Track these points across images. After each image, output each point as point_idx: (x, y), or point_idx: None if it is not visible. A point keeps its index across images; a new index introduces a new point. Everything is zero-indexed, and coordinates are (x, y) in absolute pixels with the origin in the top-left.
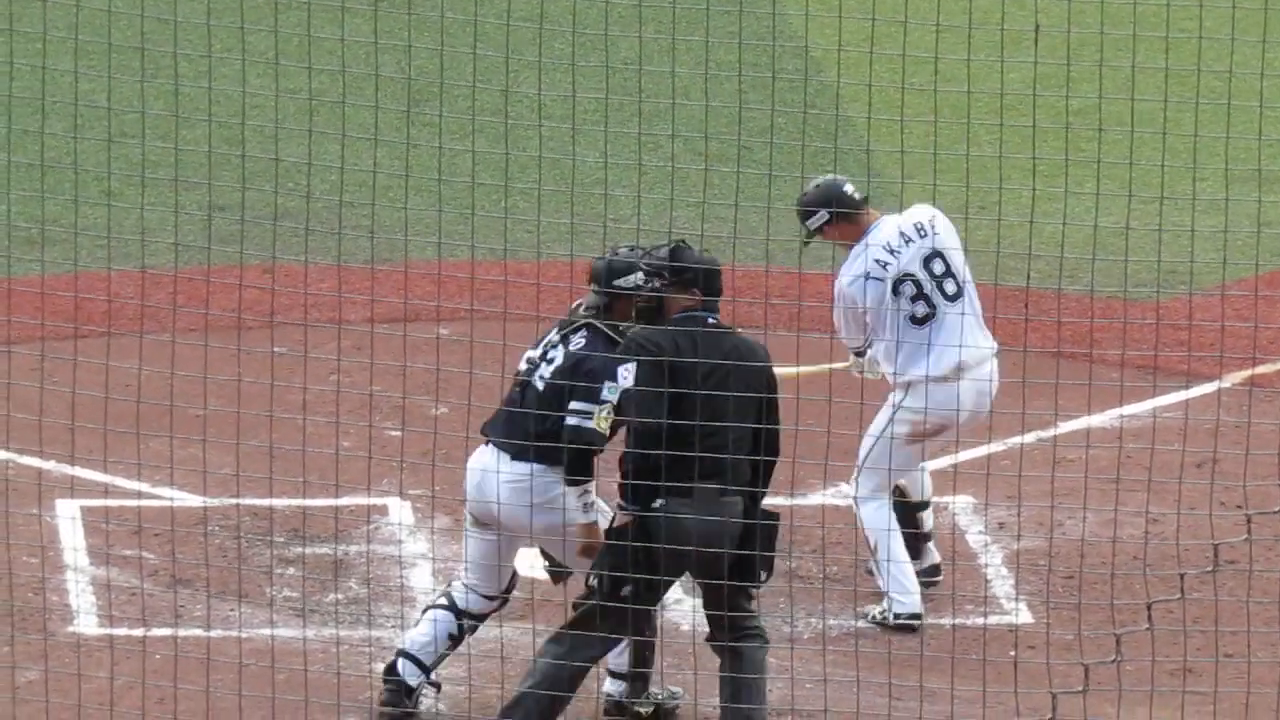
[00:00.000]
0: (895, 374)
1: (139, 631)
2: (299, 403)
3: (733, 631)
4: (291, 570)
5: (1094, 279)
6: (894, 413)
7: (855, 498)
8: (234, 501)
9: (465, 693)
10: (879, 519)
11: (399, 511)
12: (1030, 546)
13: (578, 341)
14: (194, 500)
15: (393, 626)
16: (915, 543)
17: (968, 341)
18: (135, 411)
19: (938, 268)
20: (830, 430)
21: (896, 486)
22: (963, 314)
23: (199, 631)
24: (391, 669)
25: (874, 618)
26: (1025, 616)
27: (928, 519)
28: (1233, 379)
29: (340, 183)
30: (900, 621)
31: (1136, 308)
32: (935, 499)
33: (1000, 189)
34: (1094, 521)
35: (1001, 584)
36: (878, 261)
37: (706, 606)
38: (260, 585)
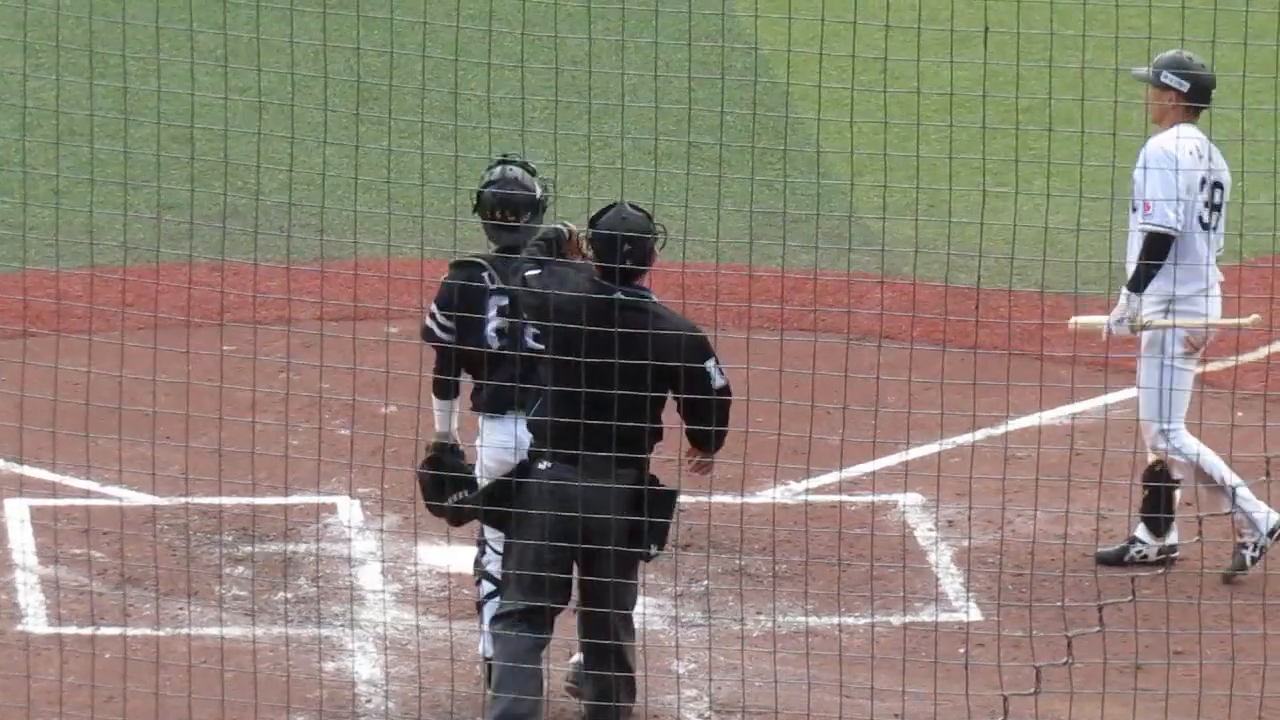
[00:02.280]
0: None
1: (88, 630)
2: (248, 402)
3: (605, 628)
4: (241, 569)
5: (1044, 277)
6: (1168, 333)
7: (1175, 449)
8: (183, 500)
9: (415, 692)
10: (1210, 456)
11: (348, 510)
12: (980, 544)
13: None
14: (143, 499)
15: (341, 625)
16: (1167, 528)
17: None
18: (84, 411)
19: (1216, 196)
20: (780, 430)
21: (1159, 462)
22: (1214, 245)
23: (148, 630)
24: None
25: (1254, 552)
26: (975, 614)
27: (1179, 496)
28: None
29: (289, 182)
30: (1275, 534)
31: (1087, 306)
32: (885, 497)
33: (950, 188)
34: (1044, 519)
35: (951, 582)
36: (1191, 154)
37: (584, 599)
38: (209, 584)
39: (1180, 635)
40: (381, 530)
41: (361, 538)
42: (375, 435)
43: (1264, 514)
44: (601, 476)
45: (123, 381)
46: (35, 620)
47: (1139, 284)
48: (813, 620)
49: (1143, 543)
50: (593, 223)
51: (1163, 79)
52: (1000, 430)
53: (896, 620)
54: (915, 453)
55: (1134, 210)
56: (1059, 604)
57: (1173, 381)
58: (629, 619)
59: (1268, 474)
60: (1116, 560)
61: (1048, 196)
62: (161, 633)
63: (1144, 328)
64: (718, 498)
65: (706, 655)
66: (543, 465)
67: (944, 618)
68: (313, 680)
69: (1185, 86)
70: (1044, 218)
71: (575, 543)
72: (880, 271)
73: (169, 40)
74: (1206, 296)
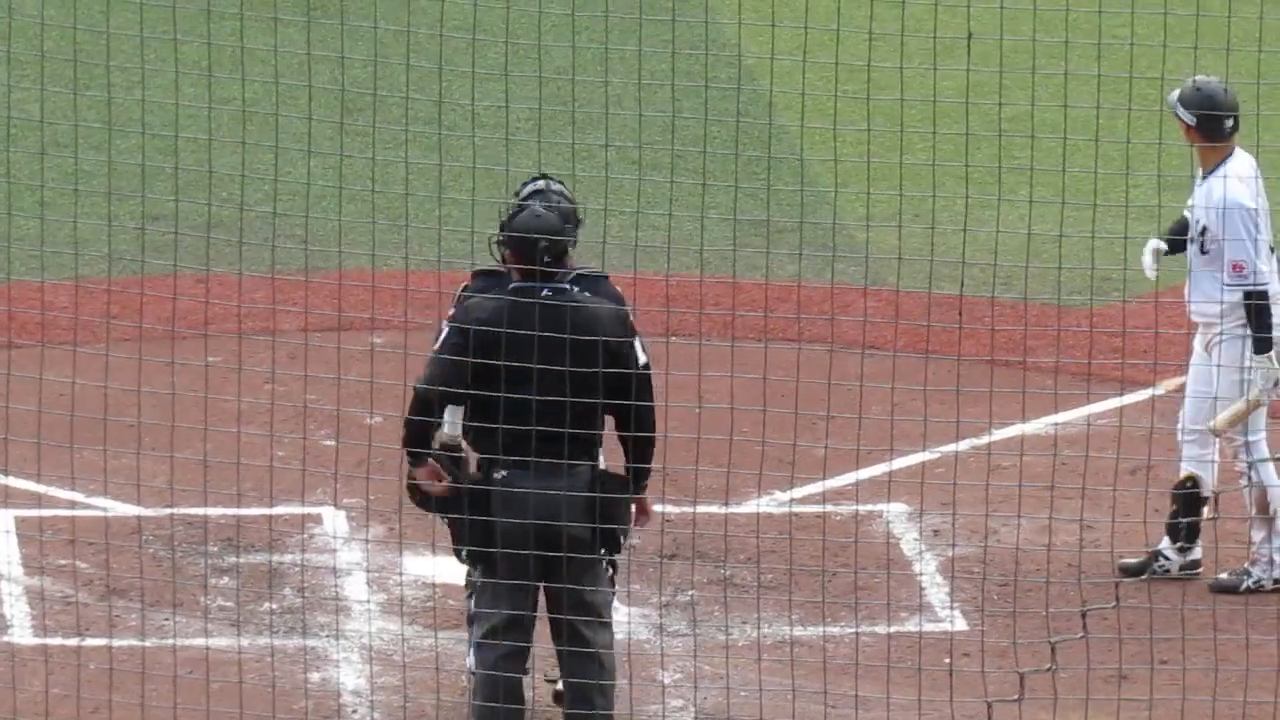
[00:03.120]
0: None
1: (73, 641)
2: (233, 413)
3: (578, 634)
4: (226, 580)
5: (1028, 286)
6: (1248, 391)
7: (1250, 463)
8: (168, 511)
9: (400, 702)
10: (1273, 474)
11: (333, 521)
12: (965, 554)
13: None
14: (128, 510)
15: (327, 636)
16: (1194, 536)
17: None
18: (69, 422)
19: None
20: (765, 440)
21: (1191, 476)
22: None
23: (133, 641)
24: None
25: (1250, 585)
26: (960, 624)
27: (1206, 513)
28: (1167, 386)
29: (274, 193)
30: (1278, 584)
31: (1070, 315)
32: (870, 506)
33: (934, 196)
34: (1028, 529)
35: (936, 591)
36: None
37: (550, 607)
38: (195, 595)
39: (1164, 643)
40: (367, 541)
41: (347, 548)
42: (360, 446)
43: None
44: (556, 479)
45: (107, 392)
46: (20, 631)
47: (1265, 345)
48: (798, 630)
49: (1166, 558)
50: (506, 226)
51: (1176, 112)
52: (984, 439)
53: (881, 630)
54: (900, 462)
55: (1204, 251)
56: (1043, 612)
57: (1218, 391)
58: (605, 625)
59: (1249, 479)
60: (1139, 573)
61: (1031, 205)
62: (147, 643)
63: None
64: (702, 508)
65: (692, 665)
66: (499, 475)
67: (929, 627)
68: (298, 691)
69: (1192, 120)
70: (1028, 226)
71: (539, 548)
72: (864, 280)
73: (153, 51)
74: None
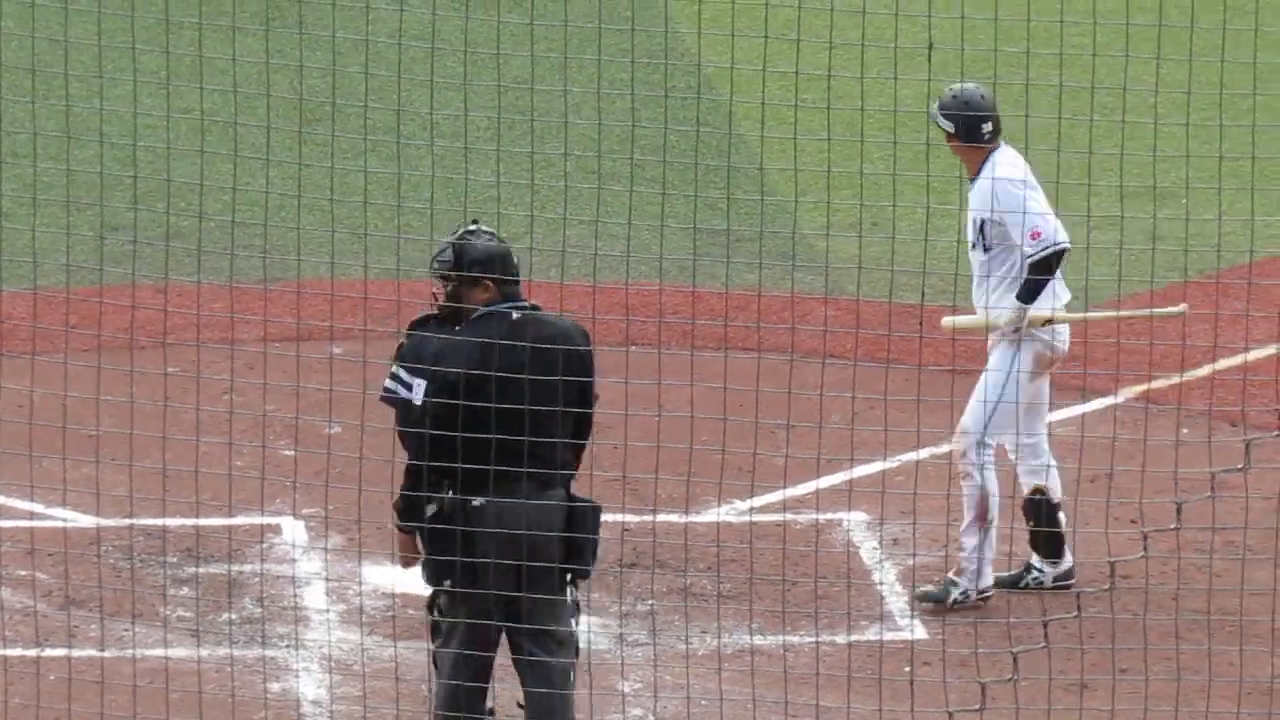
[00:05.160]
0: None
1: (32, 652)
2: (192, 423)
3: (540, 645)
4: (185, 590)
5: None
6: (1016, 350)
7: (978, 465)
8: (127, 522)
9: (360, 712)
10: (997, 493)
11: (292, 531)
12: (925, 562)
13: None
14: (87, 520)
15: (286, 646)
16: (1059, 543)
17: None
18: (28, 432)
19: None
20: (725, 449)
21: (1038, 488)
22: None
23: (93, 652)
24: None
25: (957, 597)
26: (920, 633)
27: (1064, 519)
28: (1128, 395)
29: (233, 202)
30: (983, 597)
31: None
32: (830, 515)
33: (894, 205)
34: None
35: (896, 600)
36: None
37: (510, 617)
38: (154, 605)
39: (1126, 652)
40: (326, 550)
41: (306, 558)
42: (320, 455)
43: (987, 572)
44: (538, 504)
45: (66, 402)
46: None
47: (1030, 298)
48: (758, 639)
49: (1039, 570)
50: (463, 261)
51: (936, 121)
52: (945, 448)
53: (842, 639)
54: (860, 471)
55: (987, 249)
56: (1004, 621)
57: (1006, 396)
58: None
59: (1213, 489)
60: (1013, 585)
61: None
62: (106, 654)
63: (1049, 322)
64: (662, 517)
65: (652, 674)
66: (477, 503)
67: (889, 636)
68: (258, 701)
69: (951, 126)
70: None
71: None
72: (824, 289)
73: (112, 61)
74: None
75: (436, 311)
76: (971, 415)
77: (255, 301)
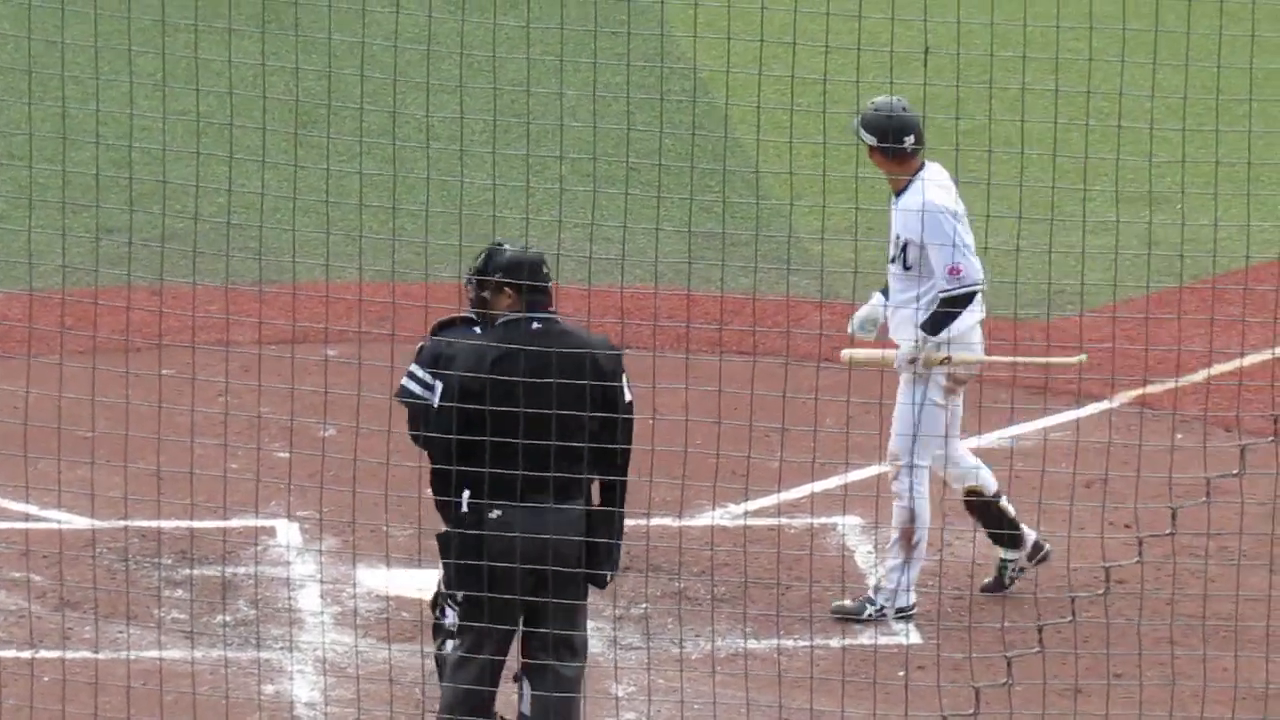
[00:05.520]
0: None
1: (27, 654)
2: (187, 425)
3: (554, 648)
4: (180, 592)
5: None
6: (924, 384)
7: (909, 489)
8: (122, 524)
9: (354, 714)
10: (927, 518)
11: (287, 533)
12: (920, 567)
13: None
14: (82, 522)
15: (280, 648)
16: (1015, 528)
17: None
18: (23, 433)
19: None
20: (719, 452)
21: (971, 489)
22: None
23: (87, 654)
24: None
25: (872, 613)
26: (915, 637)
27: (1008, 505)
28: (1122, 399)
29: (228, 205)
30: (900, 615)
31: (1026, 328)
32: (825, 519)
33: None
34: (984, 541)
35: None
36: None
37: (526, 623)
38: (148, 607)
39: (1120, 657)
40: (320, 553)
41: (300, 560)
42: (314, 458)
43: (908, 593)
44: (556, 514)
45: (61, 404)
46: None
47: (935, 330)
48: (752, 643)
49: (1009, 561)
50: (492, 265)
51: (860, 136)
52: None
53: (836, 643)
54: (854, 475)
55: (907, 268)
56: (999, 626)
57: (925, 421)
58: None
59: (1208, 494)
60: (999, 587)
61: (987, 218)
62: (100, 656)
63: (946, 360)
64: (656, 520)
65: (645, 678)
66: (493, 515)
67: (883, 640)
68: (252, 703)
69: (873, 140)
70: (983, 239)
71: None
72: (820, 293)
73: (108, 63)
74: (979, 326)
75: (462, 315)
76: (897, 443)
77: (250, 304)
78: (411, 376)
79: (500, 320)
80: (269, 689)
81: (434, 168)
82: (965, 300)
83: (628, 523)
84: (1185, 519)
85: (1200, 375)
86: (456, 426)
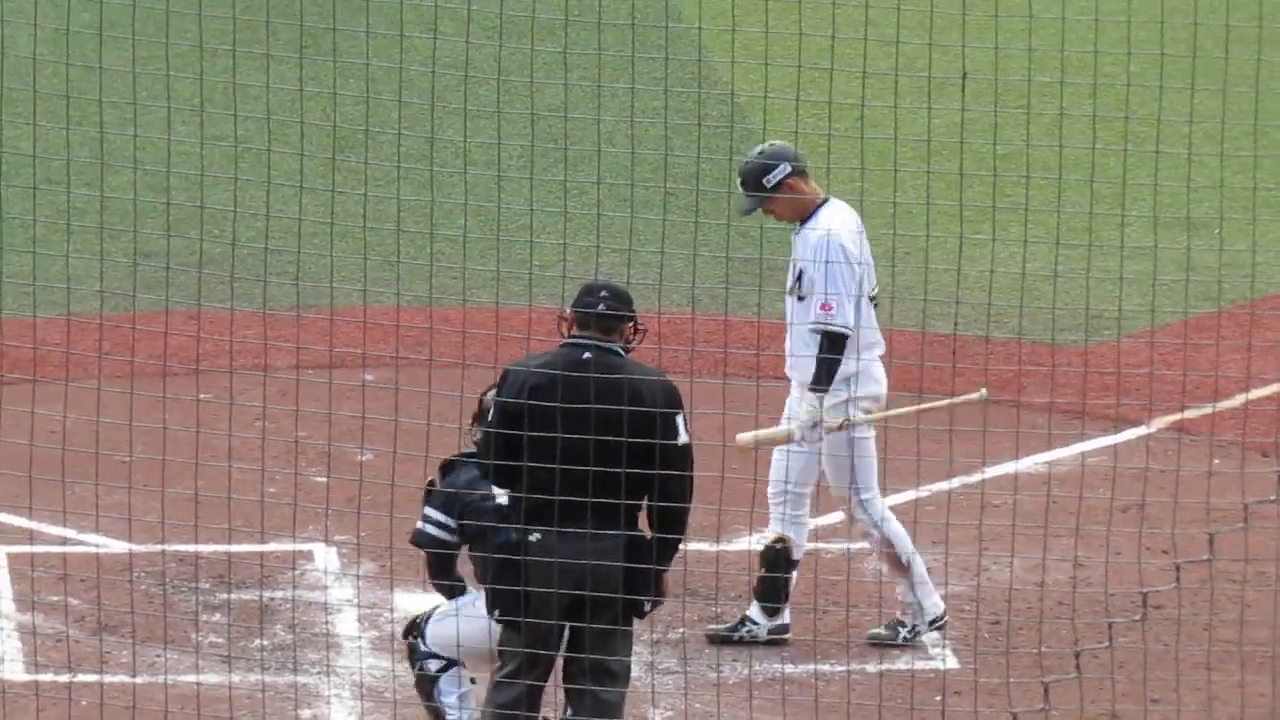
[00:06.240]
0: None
1: (65, 678)
2: (225, 449)
3: (592, 673)
4: (217, 616)
5: (1021, 324)
6: (849, 410)
7: (871, 521)
8: (159, 548)
9: None
10: (901, 534)
11: (324, 557)
12: (957, 592)
13: None
14: (119, 546)
15: (318, 672)
16: (782, 599)
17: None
18: (61, 457)
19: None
20: (756, 478)
21: (781, 537)
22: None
23: (125, 678)
24: None
25: (906, 635)
26: (952, 662)
27: (795, 577)
28: (1160, 425)
29: (265, 229)
30: (934, 625)
31: (1064, 353)
32: (862, 544)
33: (926, 235)
34: (1021, 567)
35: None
36: (855, 231)
37: (569, 646)
38: (186, 631)
39: (1158, 682)
40: (358, 577)
41: (338, 585)
42: (351, 482)
43: (931, 602)
44: (595, 540)
45: (99, 428)
46: (12, 667)
47: (823, 381)
48: (789, 668)
49: (754, 622)
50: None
51: (770, 178)
52: (977, 478)
53: (873, 668)
54: (892, 500)
55: (800, 299)
56: (1036, 651)
57: (858, 451)
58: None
59: (1245, 520)
60: (726, 639)
61: (1025, 243)
62: (138, 680)
63: (846, 425)
64: (694, 545)
65: (683, 702)
66: (534, 538)
67: (920, 665)
68: None
69: (784, 170)
70: (1021, 264)
71: (576, 605)
72: None
73: (146, 88)
74: (879, 361)
75: (463, 454)
76: (835, 480)
77: (288, 328)
78: (428, 520)
79: (561, 343)
80: (306, 714)
81: (471, 193)
82: (839, 344)
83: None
84: (1223, 544)
85: (1238, 400)
86: (508, 451)
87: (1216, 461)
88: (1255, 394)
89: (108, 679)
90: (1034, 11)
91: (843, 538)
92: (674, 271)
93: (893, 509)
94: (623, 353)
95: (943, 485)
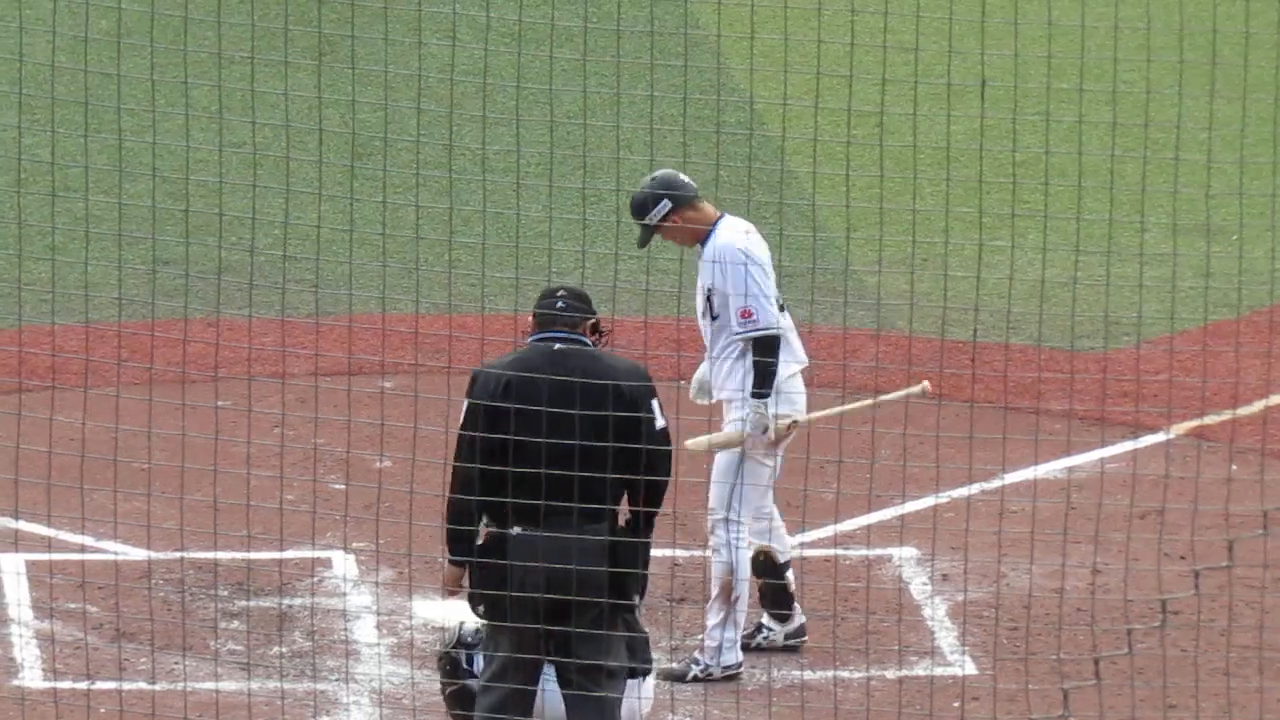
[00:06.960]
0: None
1: (83, 685)
2: (243, 456)
3: (589, 678)
4: (236, 623)
5: (1040, 331)
6: (743, 426)
7: (727, 543)
8: (178, 555)
9: None
10: (746, 570)
11: (343, 564)
12: (976, 598)
13: None
14: (138, 554)
15: (337, 679)
16: (789, 602)
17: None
18: (79, 465)
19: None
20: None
21: (762, 549)
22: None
23: (143, 685)
24: None
25: (698, 674)
26: (970, 669)
27: (792, 578)
28: (1179, 431)
29: (284, 237)
30: (727, 674)
31: (1083, 359)
32: (881, 550)
33: (945, 241)
34: (1039, 573)
35: (946, 636)
36: (745, 233)
37: (556, 650)
38: (205, 638)
39: (1177, 689)
40: (377, 584)
41: (356, 592)
42: (370, 489)
43: (734, 653)
44: (579, 532)
45: (118, 436)
46: (31, 674)
47: (765, 386)
48: (808, 674)
49: (769, 629)
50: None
51: (652, 215)
52: (996, 484)
53: (892, 674)
54: (910, 506)
55: (714, 318)
56: (1054, 657)
57: (748, 476)
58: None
59: (1265, 526)
60: (744, 646)
61: (1044, 250)
62: (157, 687)
63: (793, 426)
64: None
65: (702, 709)
66: (514, 532)
67: (939, 671)
68: None
69: (666, 204)
70: (1040, 271)
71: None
72: (875, 325)
73: (164, 95)
74: (798, 377)
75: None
76: (715, 496)
77: (306, 335)
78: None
79: (529, 339)
80: None
81: (490, 200)
82: (771, 346)
83: (684, 554)
84: (1242, 551)
85: (1257, 407)
86: (483, 453)
87: (1235, 468)
88: (1275, 400)
89: (126, 686)
90: (1053, 18)
91: (861, 544)
92: (692, 278)
93: (910, 515)
94: (591, 344)
95: (961, 491)
